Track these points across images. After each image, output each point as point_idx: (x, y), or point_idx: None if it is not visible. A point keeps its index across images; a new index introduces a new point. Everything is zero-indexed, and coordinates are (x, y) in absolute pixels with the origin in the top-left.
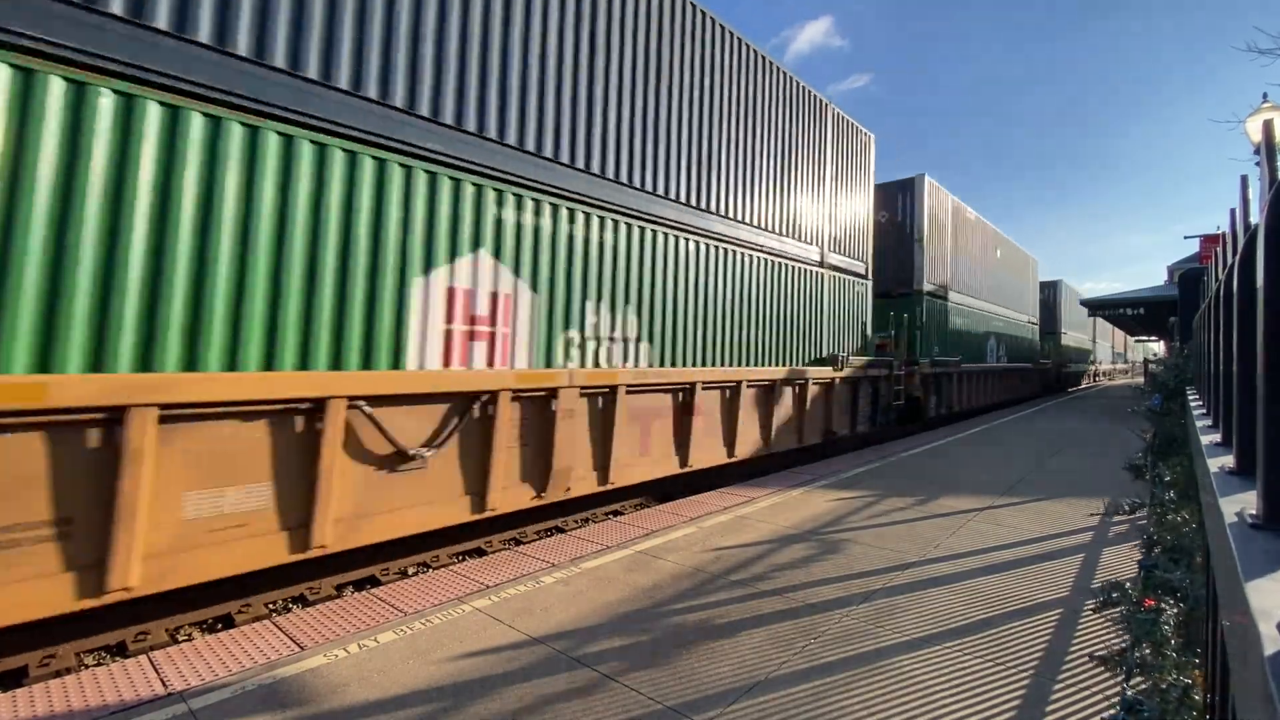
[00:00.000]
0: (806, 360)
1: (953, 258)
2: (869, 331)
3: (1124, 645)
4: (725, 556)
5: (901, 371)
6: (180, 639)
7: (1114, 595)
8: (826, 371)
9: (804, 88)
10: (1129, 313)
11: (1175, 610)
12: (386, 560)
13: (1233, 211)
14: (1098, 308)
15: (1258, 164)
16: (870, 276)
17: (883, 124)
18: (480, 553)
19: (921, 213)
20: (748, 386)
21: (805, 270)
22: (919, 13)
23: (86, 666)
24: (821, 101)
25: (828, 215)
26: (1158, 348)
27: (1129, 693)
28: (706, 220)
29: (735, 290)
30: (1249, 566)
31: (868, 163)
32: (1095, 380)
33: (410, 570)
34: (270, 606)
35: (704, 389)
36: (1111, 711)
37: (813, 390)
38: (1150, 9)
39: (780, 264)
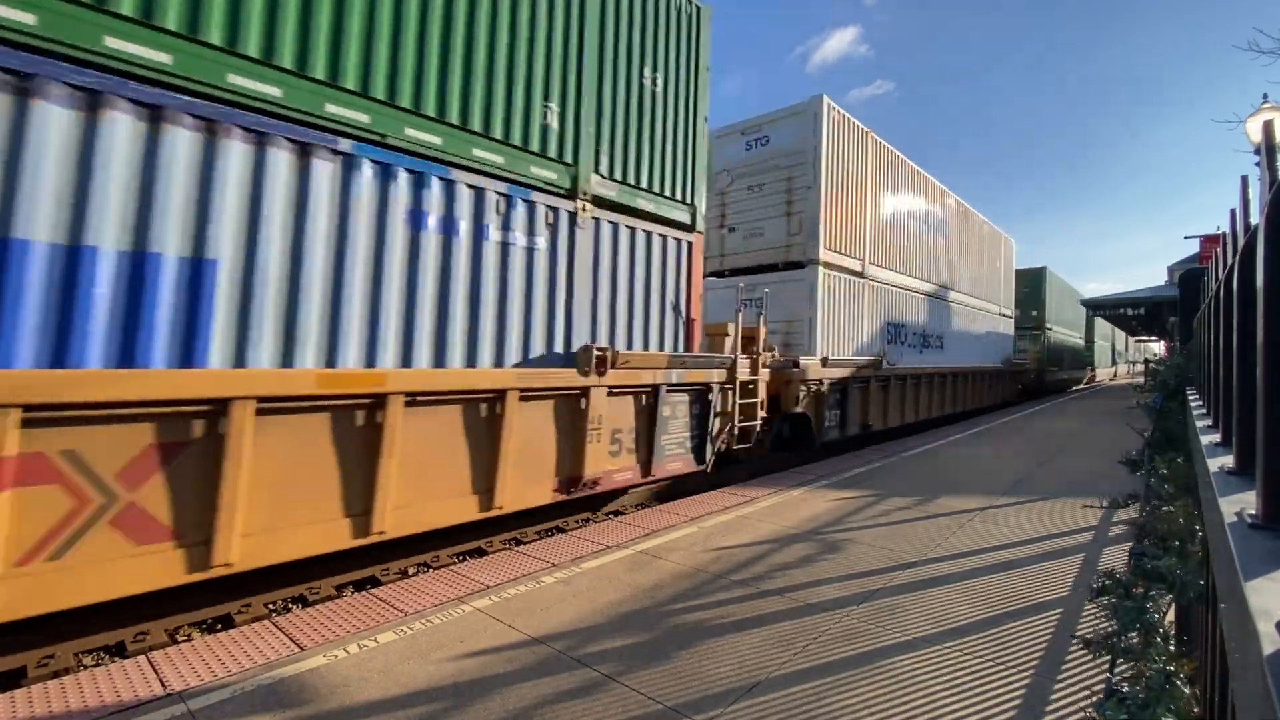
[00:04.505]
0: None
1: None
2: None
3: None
4: (726, 556)
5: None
6: (179, 639)
7: (1106, 583)
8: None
9: None
10: (1129, 313)
11: (1165, 598)
12: (387, 560)
13: (1233, 212)
14: (1098, 307)
15: (1257, 164)
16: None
17: (902, 126)
18: (480, 553)
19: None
20: None
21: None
22: (942, 23)
23: (85, 667)
24: None
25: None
26: (1158, 348)
27: (1114, 679)
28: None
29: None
30: (1248, 566)
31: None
32: (1092, 381)
33: (410, 570)
34: (270, 607)
35: None
36: (1098, 699)
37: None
38: (1166, 11)
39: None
